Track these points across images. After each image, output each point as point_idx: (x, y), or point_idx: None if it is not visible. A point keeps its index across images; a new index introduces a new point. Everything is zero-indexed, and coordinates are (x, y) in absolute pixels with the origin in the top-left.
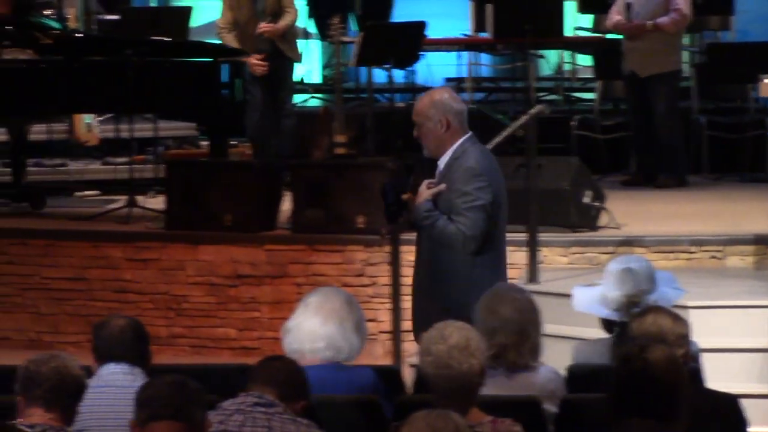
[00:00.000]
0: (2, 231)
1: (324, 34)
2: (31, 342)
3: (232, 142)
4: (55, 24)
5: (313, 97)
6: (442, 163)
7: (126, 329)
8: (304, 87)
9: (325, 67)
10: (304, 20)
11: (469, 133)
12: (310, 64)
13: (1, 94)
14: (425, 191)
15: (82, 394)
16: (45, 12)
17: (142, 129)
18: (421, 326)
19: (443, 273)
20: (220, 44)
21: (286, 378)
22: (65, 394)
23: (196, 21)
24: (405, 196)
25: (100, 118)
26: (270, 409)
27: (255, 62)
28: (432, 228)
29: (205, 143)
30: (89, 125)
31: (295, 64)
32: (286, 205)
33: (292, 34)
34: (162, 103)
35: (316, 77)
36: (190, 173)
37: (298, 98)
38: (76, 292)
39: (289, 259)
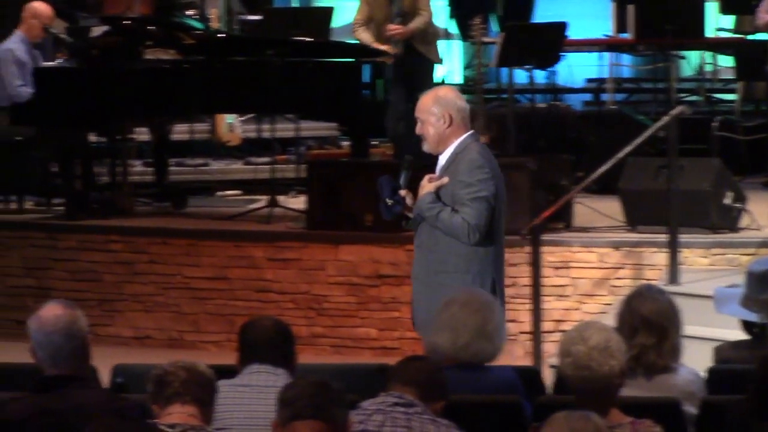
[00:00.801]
0: (144, 230)
1: (465, 34)
2: (172, 341)
3: (373, 142)
4: (197, 24)
5: None
6: (443, 158)
7: (272, 330)
8: None
9: (466, 67)
10: (445, 21)
11: (471, 131)
12: (451, 64)
13: (143, 94)
14: (428, 184)
15: (214, 388)
16: (188, 12)
17: (284, 129)
18: (421, 318)
19: (446, 265)
20: (361, 45)
21: (426, 378)
22: (197, 385)
23: (337, 21)
24: (402, 192)
25: (242, 118)
26: (410, 409)
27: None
28: (436, 219)
29: (346, 143)
30: (231, 125)
31: (435, 65)
32: None
33: (432, 35)
34: (303, 103)
35: (457, 78)
36: (331, 173)
37: None
38: (218, 291)
39: None
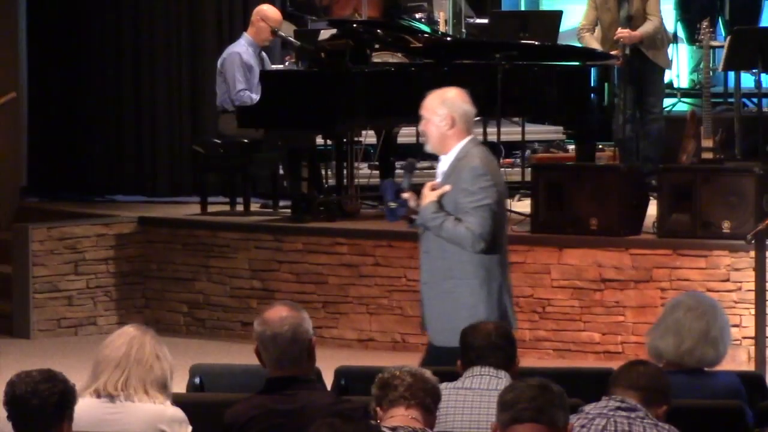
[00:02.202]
0: (370, 233)
1: (692, 38)
2: (395, 344)
3: (598, 146)
4: (425, 27)
5: (680, 102)
6: (446, 163)
7: (494, 333)
8: (672, 91)
9: (692, 71)
10: (673, 24)
11: (472, 135)
12: (678, 68)
13: (370, 97)
14: (431, 193)
15: (438, 395)
16: (416, 15)
17: (510, 132)
18: (433, 323)
19: (453, 272)
20: (589, 48)
21: (648, 382)
22: (422, 391)
23: (565, 25)
24: (405, 195)
25: None
26: (632, 414)
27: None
28: (440, 229)
29: (572, 147)
30: None
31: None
32: (652, 209)
33: (660, 40)
34: (530, 106)
35: (683, 82)
36: (556, 177)
37: (666, 102)
38: None
39: (654, 263)
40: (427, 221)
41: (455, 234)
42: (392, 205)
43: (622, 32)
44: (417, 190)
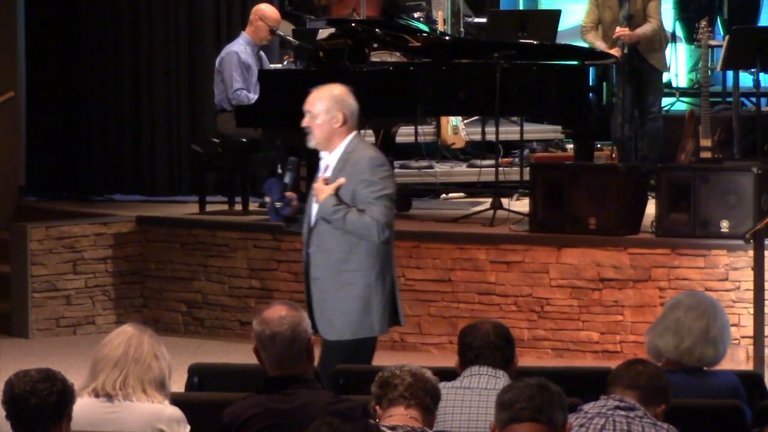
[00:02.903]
0: None
1: (691, 37)
2: (394, 343)
3: (597, 145)
4: (423, 27)
5: (679, 101)
6: (333, 158)
7: (492, 333)
8: (670, 91)
9: (691, 70)
10: (671, 23)
11: (356, 131)
12: (676, 67)
13: (369, 97)
14: (326, 186)
15: (438, 395)
16: (414, 14)
17: (508, 132)
18: (323, 319)
19: (349, 264)
20: (588, 47)
21: (647, 382)
22: (422, 391)
23: (564, 24)
24: (288, 194)
25: (467, 121)
26: (630, 413)
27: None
28: (344, 221)
29: (570, 146)
30: (456, 128)
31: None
32: (651, 208)
33: (659, 42)
34: (529, 106)
35: (682, 81)
36: (555, 176)
37: (664, 102)
38: (441, 293)
39: (653, 263)
40: (329, 214)
41: (361, 224)
42: (278, 204)
43: (622, 31)
44: (297, 188)
